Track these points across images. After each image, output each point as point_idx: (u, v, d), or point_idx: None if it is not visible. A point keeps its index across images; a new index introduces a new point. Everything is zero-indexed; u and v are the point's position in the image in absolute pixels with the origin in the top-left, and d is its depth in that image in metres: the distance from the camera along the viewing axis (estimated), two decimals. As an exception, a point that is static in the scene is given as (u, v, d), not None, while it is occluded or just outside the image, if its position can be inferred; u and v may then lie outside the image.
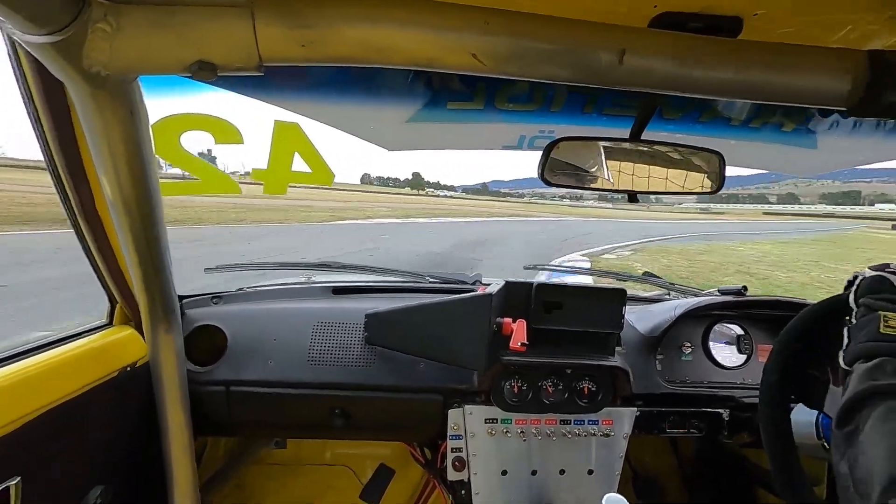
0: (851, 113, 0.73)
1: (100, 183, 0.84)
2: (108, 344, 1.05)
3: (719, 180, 1.15)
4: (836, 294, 0.90)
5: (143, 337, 1.11)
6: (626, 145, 1.10)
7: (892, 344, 0.77)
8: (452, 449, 1.31)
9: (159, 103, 0.92)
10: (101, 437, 1.03)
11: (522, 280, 1.32)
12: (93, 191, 0.93)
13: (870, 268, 0.88)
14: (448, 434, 1.30)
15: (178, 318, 1.12)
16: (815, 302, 0.95)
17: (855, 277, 0.89)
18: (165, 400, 1.13)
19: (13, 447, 0.77)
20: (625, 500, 0.97)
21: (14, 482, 0.77)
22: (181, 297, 1.34)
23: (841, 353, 0.82)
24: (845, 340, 0.83)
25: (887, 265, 0.87)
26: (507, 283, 1.29)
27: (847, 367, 0.80)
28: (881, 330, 0.78)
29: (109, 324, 1.14)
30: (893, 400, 0.71)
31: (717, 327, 1.51)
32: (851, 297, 0.87)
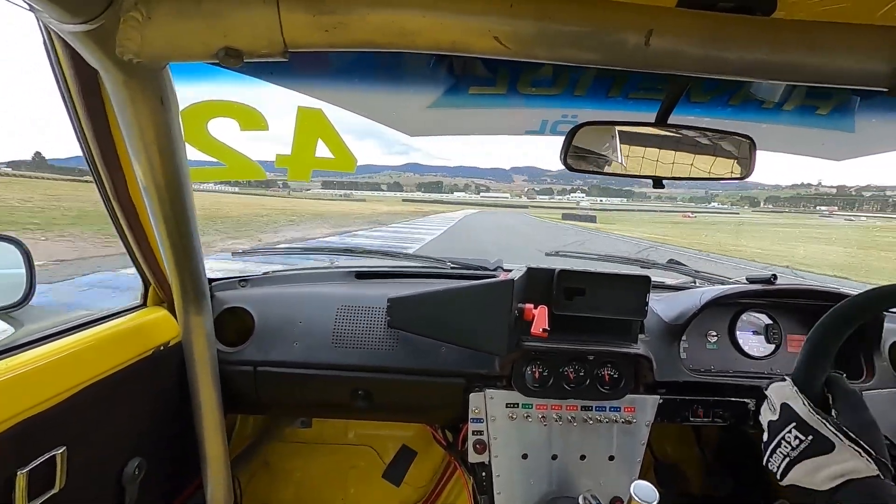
0: (893, 93, 0.69)
1: (133, 169, 0.88)
2: (143, 324, 1.10)
3: (750, 166, 1.12)
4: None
5: (176, 318, 1.15)
6: (652, 130, 1.07)
7: None
8: (474, 432, 1.33)
9: (188, 91, 0.95)
10: (139, 412, 1.08)
11: (545, 266, 1.31)
12: (126, 177, 0.96)
13: (778, 478, 0.78)
14: (469, 417, 1.32)
15: (208, 300, 1.15)
16: (855, 293, 0.88)
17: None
18: (197, 378, 1.17)
19: (59, 418, 0.82)
20: (653, 487, 0.97)
21: (60, 451, 0.82)
22: (210, 280, 1.38)
23: None
24: None
25: (773, 468, 0.77)
26: (529, 269, 1.28)
27: None
28: None
29: (143, 305, 1.19)
30: None
31: (744, 316, 1.48)
32: None
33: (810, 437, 0.71)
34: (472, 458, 1.33)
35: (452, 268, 1.67)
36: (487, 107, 1.19)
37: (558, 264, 1.33)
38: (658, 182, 1.13)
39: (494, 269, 1.64)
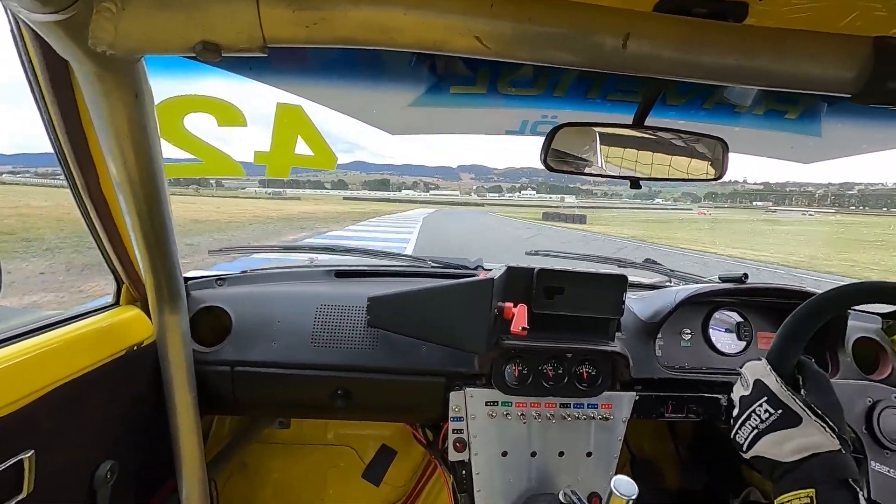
0: (857, 100, 0.72)
1: (106, 165, 0.85)
2: (116, 323, 1.07)
3: (722, 167, 1.15)
4: (830, 290, 0.87)
5: (150, 317, 1.13)
6: (630, 131, 1.10)
7: None
8: (454, 430, 1.33)
9: (163, 85, 0.93)
10: (111, 414, 1.05)
11: (524, 265, 1.33)
12: (99, 173, 0.93)
13: (741, 451, 0.82)
14: (450, 416, 1.33)
15: (184, 298, 1.13)
16: (820, 292, 0.92)
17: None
18: (172, 379, 1.15)
19: (26, 422, 0.80)
20: (633, 483, 0.98)
21: (28, 455, 0.79)
22: (186, 279, 1.35)
23: None
24: None
25: (738, 443, 0.81)
26: (509, 269, 1.30)
27: None
28: None
29: (116, 304, 1.16)
30: None
31: (717, 314, 1.52)
32: None
33: (780, 411, 0.75)
34: (453, 456, 1.34)
35: (433, 267, 1.68)
36: (468, 106, 1.20)
37: (538, 263, 1.34)
38: (635, 182, 1.16)
39: (475, 268, 1.65)
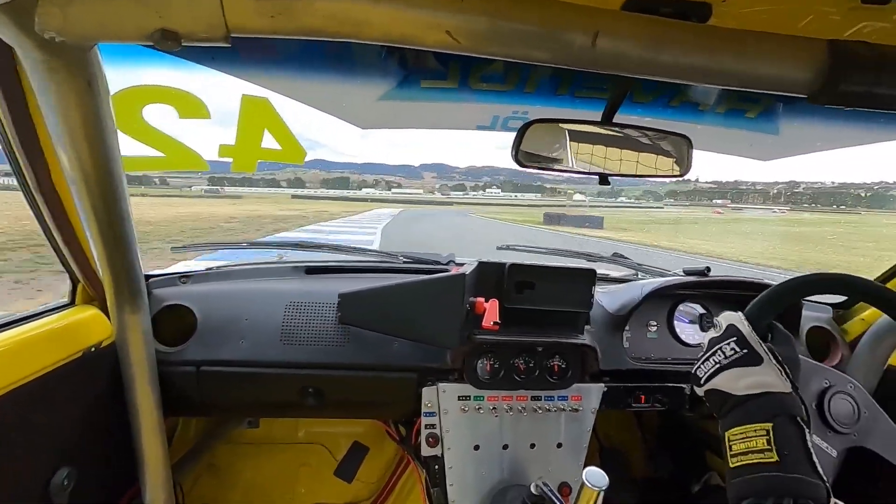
0: (812, 100, 0.75)
1: (57, 157, 0.81)
2: (71, 324, 1.02)
3: (687, 164, 1.18)
4: (814, 273, 0.93)
5: (109, 317, 1.08)
6: (598, 128, 1.11)
7: (745, 478, 0.73)
8: (426, 426, 1.33)
9: (121, 74, 0.88)
10: (68, 419, 1.00)
11: (496, 260, 1.33)
12: (49, 165, 0.89)
13: (694, 385, 0.88)
14: (422, 411, 1.32)
15: (145, 297, 1.09)
16: (776, 283, 0.97)
17: (704, 401, 0.87)
18: (133, 381, 1.11)
19: None
20: (604, 474, 1.00)
21: None
22: (147, 276, 1.30)
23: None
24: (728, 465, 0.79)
25: (697, 377, 0.86)
26: (481, 264, 1.30)
27: None
28: (731, 464, 0.75)
29: (71, 303, 1.11)
30: None
31: (681, 306, 1.56)
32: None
33: (745, 351, 0.80)
34: (425, 451, 1.34)
35: (405, 262, 1.67)
36: (439, 101, 1.19)
37: (509, 258, 1.35)
38: (604, 179, 1.18)
39: (447, 264, 1.65)
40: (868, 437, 1.12)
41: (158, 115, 1.02)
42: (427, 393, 1.32)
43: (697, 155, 1.18)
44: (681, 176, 1.19)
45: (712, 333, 0.88)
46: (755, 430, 0.74)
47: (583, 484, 1.00)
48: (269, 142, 1.16)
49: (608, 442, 2.07)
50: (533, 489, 1.17)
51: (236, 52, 1.01)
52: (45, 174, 0.89)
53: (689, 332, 1.55)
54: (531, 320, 1.35)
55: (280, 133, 1.10)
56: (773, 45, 0.70)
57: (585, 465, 1.05)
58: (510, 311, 1.30)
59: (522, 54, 0.68)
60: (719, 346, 0.84)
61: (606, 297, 1.53)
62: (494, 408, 1.34)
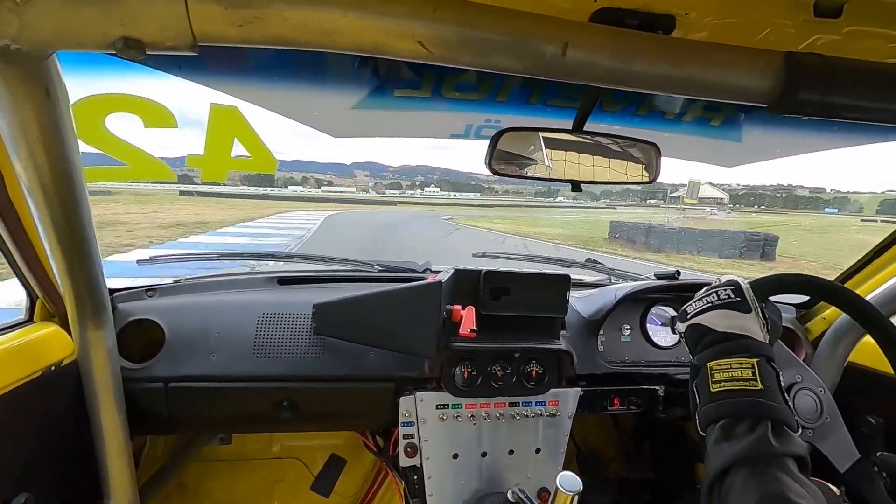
0: (771, 110, 0.78)
1: (13, 168, 0.77)
2: (29, 342, 0.97)
3: (655, 171, 1.21)
4: (760, 277, 0.97)
5: (70, 334, 1.04)
6: (569, 136, 1.13)
7: (724, 401, 0.77)
8: (404, 436, 1.32)
9: (81, 82, 0.85)
10: (26, 441, 0.95)
11: (471, 268, 1.34)
12: (5, 177, 0.85)
13: (679, 321, 0.94)
14: (400, 421, 1.31)
15: (109, 312, 1.05)
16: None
17: (680, 335, 0.93)
18: (97, 400, 1.06)
19: None
20: (577, 478, 1.01)
21: None
22: (112, 291, 1.25)
23: (696, 419, 0.82)
24: (697, 400, 0.83)
25: (685, 312, 0.93)
26: (457, 271, 1.30)
27: (703, 435, 0.80)
28: (711, 388, 0.79)
29: (29, 320, 1.06)
30: (740, 470, 0.69)
31: (653, 310, 1.60)
32: (691, 356, 0.89)
33: (738, 298, 0.87)
34: (404, 461, 1.32)
35: (380, 271, 1.65)
36: (412, 109, 1.19)
37: (484, 265, 1.36)
38: (576, 185, 1.20)
39: (423, 272, 1.65)
40: (823, 440, 1.18)
41: (122, 125, 0.98)
42: (405, 402, 1.31)
43: (666, 161, 1.22)
44: (651, 181, 1.22)
45: (715, 284, 0.93)
46: (740, 363, 0.79)
47: (557, 489, 1.01)
48: (238, 150, 1.13)
49: (585, 445, 2.10)
50: (510, 496, 1.17)
51: (203, 60, 0.98)
52: (1, 187, 0.85)
53: (661, 335, 1.58)
54: (508, 327, 1.35)
55: (250, 142, 1.08)
56: (733, 56, 0.73)
57: (563, 470, 1.06)
58: (487, 318, 1.30)
59: (494, 64, 0.69)
60: (716, 289, 0.89)
61: (581, 302, 1.55)
62: (473, 415, 1.34)
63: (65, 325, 1.05)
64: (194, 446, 1.69)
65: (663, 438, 1.95)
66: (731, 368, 0.79)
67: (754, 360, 0.78)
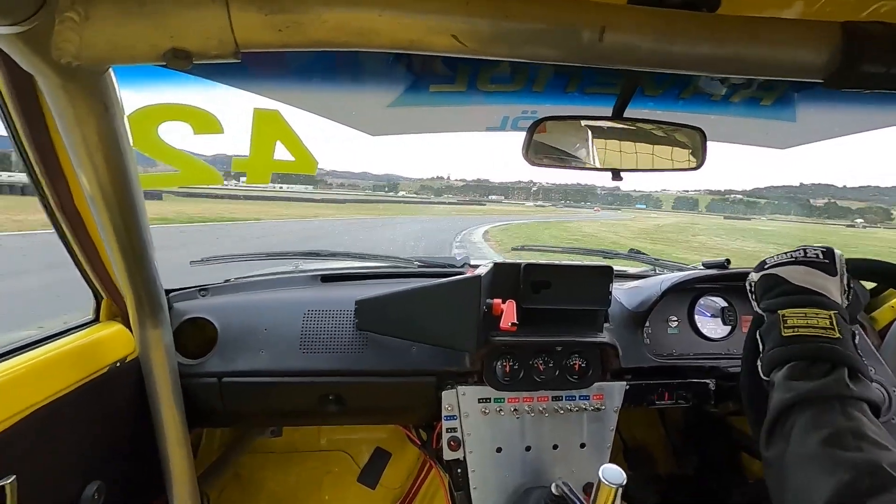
0: (828, 85, 0.73)
1: (78, 179, 0.83)
2: (96, 340, 1.04)
3: (702, 156, 1.16)
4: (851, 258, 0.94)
5: (132, 332, 1.10)
6: (609, 124, 1.10)
7: (797, 345, 0.75)
8: (447, 429, 1.33)
9: (135, 94, 0.90)
10: (96, 433, 1.02)
11: (510, 261, 1.33)
12: (71, 187, 0.91)
13: (754, 271, 0.90)
14: (443, 415, 1.32)
15: (166, 311, 1.11)
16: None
17: (750, 284, 0.90)
18: (157, 394, 1.12)
19: (6, 446, 0.77)
20: (621, 471, 0.99)
21: (9, 481, 0.77)
22: (168, 291, 1.32)
23: (759, 364, 0.81)
24: (760, 348, 0.82)
25: (764, 262, 0.89)
26: (496, 265, 1.30)
27: (767, 379, 0.78)
28: (783, 333, 0.77)
29: (96, 320, 1.13)
30: (810, 408, 0.68)
31: (701, 300, 1.54)
32: (754, 304, 0.87)
33: (827, 261, 0.83)
34: (447, 455, 1.33)
35: (419, 267, 1.67)
36: (448, 104, 1.19)
37: (524, 258, 1.35)
38: (617, 174, 1.17)
39: (461, 266, 1.65)
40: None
41: (173, 132, 1.03)
42: (447, 396, 1.32)
43: (710, 146, 1.16)
44: (697, 167, 1.17)
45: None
46: (817, 313, 0.76)
47: (600, 481, 0.99)
48: (281, 153, 1.17)
49: (632, 441, 2.05)
50: (553, 489, 1.16)
51: (245, 66, 1.02)
52: (68, 196, 0.91)
53: (710, 327, 1.52)
54: (549, 320, 1.34)
55: (292, 144, 1.11)
56: (786, 30, 0.69)
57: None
58: (527, 312, 1.29)
59: (529, 53, 0.68)
60: (805, 248, 0.86)
61: (625, 294, 1.51)
62: (515, 409, 1.33)
63: (127, 324, 1.11)
64: (247, 439, 1.77)
65: (713, 434, 1.88)
66: (808, 317, 0.76)
67: (831, 313, 0.75)
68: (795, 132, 1.35)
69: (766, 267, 0.88)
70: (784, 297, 0.81)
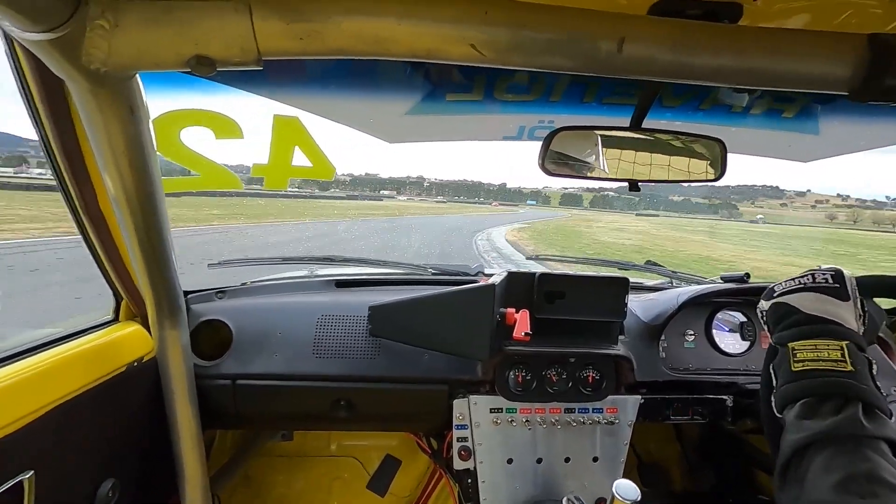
0: (853, 98, 0.72)
1: (103, 180, 0.85)
2: (115, 340, 1.06)
3: (721, 167, 1.15)
4: (865, 275, 0.90)
5: (150, 332, 1.12)
6: (627, 134, 1.10)
7: (807, 380, 0.72)
8: (458, 438, 1.32)
9: (160, 100, 0.92)
10: (112, 432, 1.04)
11: (525, 270, 1.32)
12: (96, 189, 0.93)
13: (763, 299, 0.86)
14: (454, 424, 1.31)
15: (184, 313, 1.12)
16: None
17: (761, 313, 0.86)
18: (173, 394, 1.14)
19: (25, 442, 0.79)
20: (635, 486, 0.98)
21: (28, 476, 0.78)
22: (186, 293, 1.35)
23: (772, 399, 0.77)
24: (774, 382, 0.78)
25: (773, 290, 0.85)
26: (510, 274, 1.29)
27: (780, 416, 0.75)
28: (793, 368, 0.73)
29: (115, 320, 1.15)
30: (823, 449, 0.65)
31: (719, 315, 1.51)
32: (769, 335, 0.84)
33: (837, 286, 0.79)
34: (458, 464, 1.32)
35: (433, 274, 1.67)
36: (465, 113, 1.20)
37: (538, 268, 1.34)
38: (634, 185, 1.15)
39: (475, 275, 1.65)
40: None
41: (195, 138, 1.06)
42: (458, 405, 1.31)
43: (732, 158, 1.15)
44: (716, 179, 1.16)
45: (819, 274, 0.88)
46: (828, 345, 0.73)
47: (613, 496, 0.97)
48: (299, 159, 1.18)
49: (647, 456, 2.01)
50: (565, 503, 1.14)
51: (266, 74, 1.04)
52: (93, 198, 0.94)
53: (729, 342, 1.49)
54: (563, 331, 1.32)
55: (310, 150, 1.13)
56: (809, 42, 0.68)
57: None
58: (541, 322, 1.28)
59: (548, 64, 0.68)
60: (813, 272, 0.82)
61: (640, 306, 1.49)
62: (527, 420, 1.32)
63: (145, 324, 1.13)
64: (259, 441, 1.78)
65: (730, 451, 1.83)
66: (818, 349, 0.73)
67: (844, 343, 0.72)
68: (819, 145, 1.32)
69: (774, 295, 0.84)
70: (794, 328, 0.78)
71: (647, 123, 1.05)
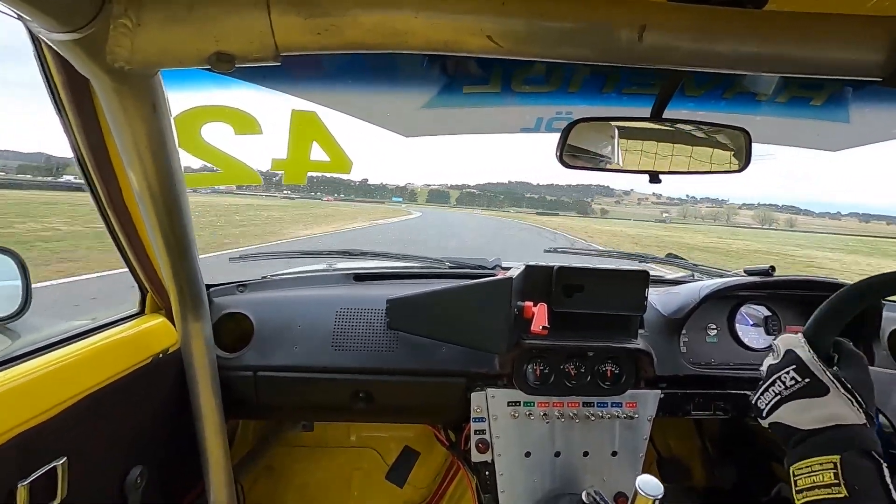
0: (888, 83, 0.69)
1: (127, 176, 0.87)
2: (141, 332, 1.09)
3: (746, 158, 1.12)
4: (874, 275, 0.85)
5: (174, 325, 1.15)
6: (647, 124, 1.07)
7: None
8: (476, 431, 1.32)
9: (181, 96, 0.94)
10: (139, 420, 1.07)
11: (543, 264, 1.31)
12: (121, 184, 0.95)
13: (759, 418, 0.81)
14: (471, 417, 1.32)
15: (206, 305, 1.15)
16: (850, 283, 0.90)
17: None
18: (197, 385, 1.17)
19: (59, 429, 0.82)
20: (658, 481, 0.96)
21: (61, 461, 0.81)
22: (208, 286, 1.37)
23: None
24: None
25: (757, 406, 0.81)
26: (528, 267, 1.28)
27: None
28: (796, 501, 0.70)
29: (141, 312, 1.18)
30: None
31: (743, 309, 1.48)
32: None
33: (807, 380, 0.74)
34: (475, 457, 1.33)
35: (451, 267, 1.67)
36: (482, 106, 1.19)
37: (556, 261, 1.33)
38: (655, 177, 1.13)
39: (493, 268, 1.64)
40: None
41: (215, 133, 1.07)
42: (476, 398, 1.31)
43: (757, 148, 1.11)
44: (741, 169, 1.13)
45: (770, 360, 0.82)
46: (820, 464, 0.68)
47: (636, 492, 0.96)
48: (317, 154, 1.19)
49: (666, 451, 1.99)
50: (584, 497, 1.14)
51: (284, 69, 1.05)
52: (118, 193, 0.96)
53: (752, 336, 1.46)
54: (582, 324, 1.31)
55: (328, 145, 1.13)
56: (840, 26, 0.66)
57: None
58: (559, 315, 1.27)
59: (566, 54, 0.67)
60: (778, 375, 0.77)
61: (661, 300, 1.47)
62: (545, 414, 1.31)
63: (170, 316, 1.16)
64: (280, 432, 1.82)
65: (752, 447, 1.80)
66: (813, 472, 0.68)
67: (836, 458, 0.67)
68: (849, 133, 1.28)
69: (763, 415, 0.80)
70: (794, 449, 0.73)
71: (668, 113, 1.03)
